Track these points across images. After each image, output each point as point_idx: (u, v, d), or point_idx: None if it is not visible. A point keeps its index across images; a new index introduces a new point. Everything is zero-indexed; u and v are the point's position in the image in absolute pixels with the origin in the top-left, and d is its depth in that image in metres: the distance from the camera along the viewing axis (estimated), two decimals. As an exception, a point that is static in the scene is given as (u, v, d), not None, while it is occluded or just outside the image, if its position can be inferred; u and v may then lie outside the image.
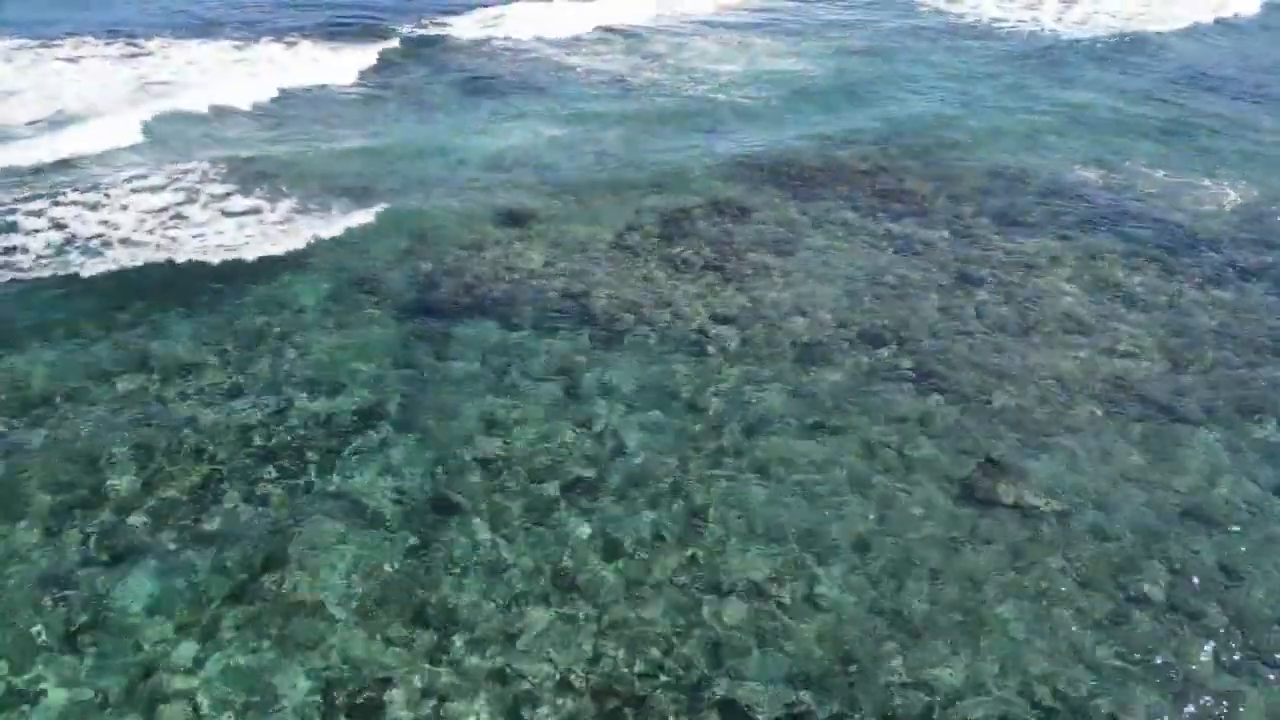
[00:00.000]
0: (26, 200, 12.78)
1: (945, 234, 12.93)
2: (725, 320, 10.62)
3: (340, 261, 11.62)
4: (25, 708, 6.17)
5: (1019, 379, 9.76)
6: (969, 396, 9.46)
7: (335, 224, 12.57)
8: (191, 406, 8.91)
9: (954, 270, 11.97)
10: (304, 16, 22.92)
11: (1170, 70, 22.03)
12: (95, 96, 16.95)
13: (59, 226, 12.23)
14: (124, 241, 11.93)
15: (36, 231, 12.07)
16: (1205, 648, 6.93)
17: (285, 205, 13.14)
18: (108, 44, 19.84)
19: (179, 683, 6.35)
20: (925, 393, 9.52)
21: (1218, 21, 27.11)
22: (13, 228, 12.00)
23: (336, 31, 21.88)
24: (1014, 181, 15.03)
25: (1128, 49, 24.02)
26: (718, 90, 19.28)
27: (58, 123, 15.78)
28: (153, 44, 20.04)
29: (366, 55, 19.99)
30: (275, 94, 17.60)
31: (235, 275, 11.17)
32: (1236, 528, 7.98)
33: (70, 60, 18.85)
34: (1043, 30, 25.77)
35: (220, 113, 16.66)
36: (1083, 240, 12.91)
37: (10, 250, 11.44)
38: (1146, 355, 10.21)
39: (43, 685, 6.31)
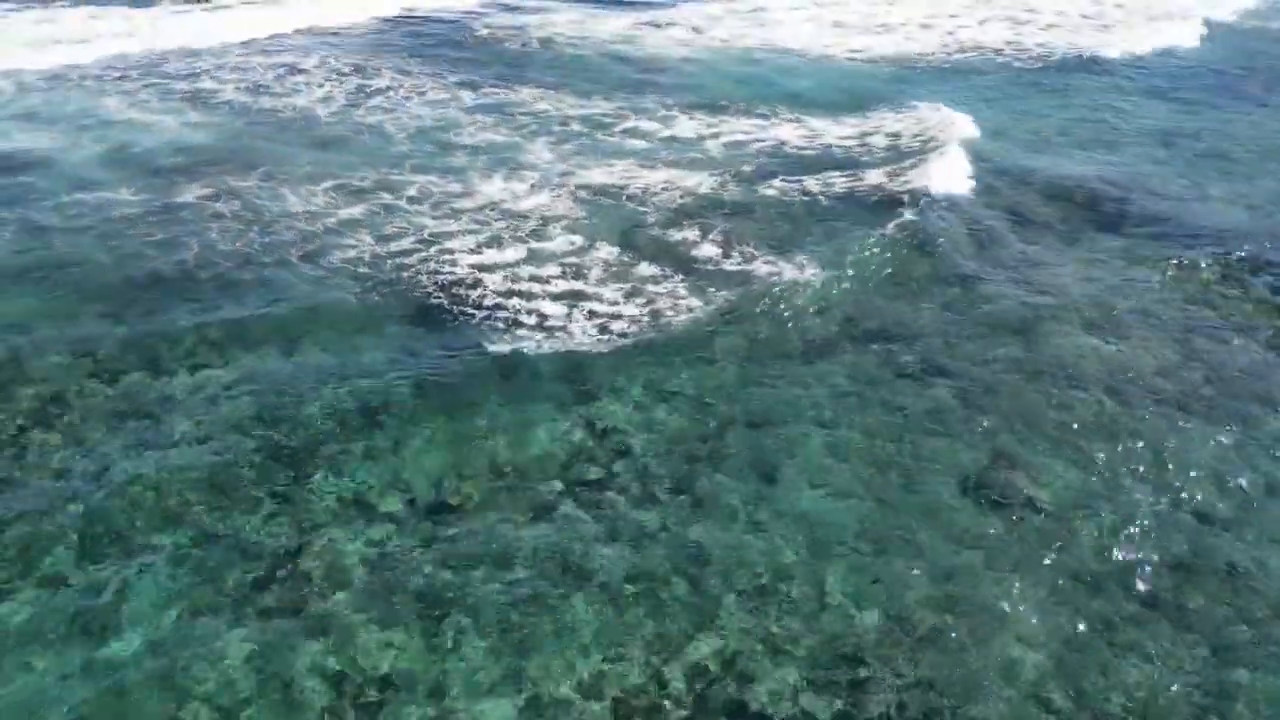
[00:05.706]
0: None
1: (949, 233, 12.94)
2: (729, 320, 10.63)
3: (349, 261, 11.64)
4: (46, 702, 6.15)
5: (1026, 376, 9.76)
6: (976, 393, 9.46)
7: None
8: (201, 405, 8.94)
9: (959, 268, 11.98)
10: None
11: (1173, 75, 22.09)
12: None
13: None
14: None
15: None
16: (1210, 646, 6.90)
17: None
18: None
19: (197, 677, 6.36)
20: (932, 390, 9.52)
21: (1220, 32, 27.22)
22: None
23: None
24: (1017, 182, 15.06)
25: (1131, 55, 24.11)
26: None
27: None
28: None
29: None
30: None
31: (238, 279, 11.22)
32: (1244, 525, 7.96)
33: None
34: (1043, 35, 25.83)
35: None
36: (1086, 240, 12.94)
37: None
38: (1153, 354, 10.21)
39: (65, 678, 6.31)
